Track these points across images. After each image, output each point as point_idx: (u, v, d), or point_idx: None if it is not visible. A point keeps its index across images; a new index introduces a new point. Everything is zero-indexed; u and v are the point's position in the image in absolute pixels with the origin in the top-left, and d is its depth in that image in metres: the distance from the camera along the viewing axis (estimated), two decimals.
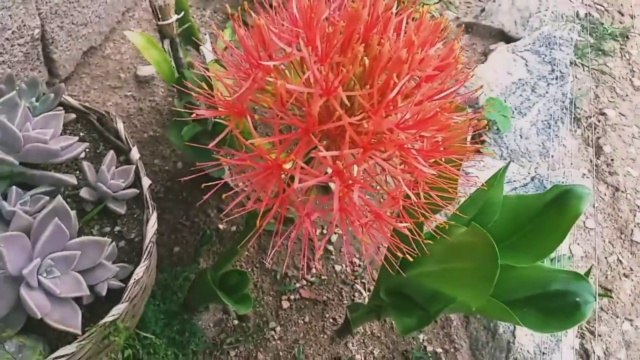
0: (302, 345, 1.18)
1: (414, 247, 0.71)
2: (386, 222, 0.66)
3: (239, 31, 0.68)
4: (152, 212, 0.86)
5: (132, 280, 0.80)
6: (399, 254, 0.67)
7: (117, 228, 0.89)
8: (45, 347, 0.74)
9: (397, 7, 0.74)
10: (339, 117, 0.58)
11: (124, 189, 0.88)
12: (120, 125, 0.95)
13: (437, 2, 1.35)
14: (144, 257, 0.82)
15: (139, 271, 0.81)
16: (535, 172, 1.50)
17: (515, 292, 0.83)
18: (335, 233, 1.34)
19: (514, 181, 1.43)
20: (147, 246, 0.83)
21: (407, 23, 0.69)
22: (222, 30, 1.55)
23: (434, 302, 0.88)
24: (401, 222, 0.68)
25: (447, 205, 0.74)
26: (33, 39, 1.23)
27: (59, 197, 0.75)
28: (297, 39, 0.66)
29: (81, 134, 0.98)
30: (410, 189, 0.66)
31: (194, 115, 0.66)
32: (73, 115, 0.95)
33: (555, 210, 0.80)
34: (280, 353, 1.16)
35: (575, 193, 0.78)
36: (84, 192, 0.85)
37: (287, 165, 0.61)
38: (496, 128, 1.55)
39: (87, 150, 0.97)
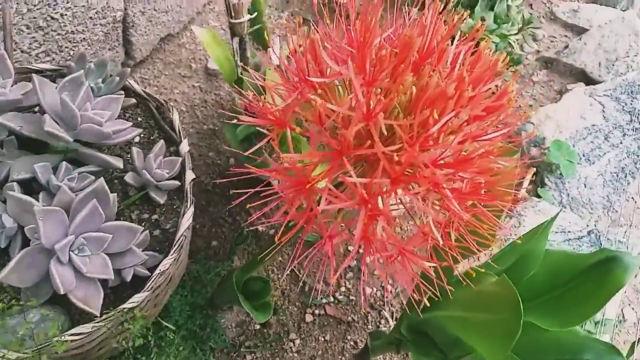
0: None
1: (437, 289, 0.68)
2: (410, 259, 0.64)
3: (291, 43, 0.68)
4: (189, 207, 0.88)
5: (157, 271, 0.81)
6: (416, 295, 0.65)
7: (154, 216, 0.91)
8: (66, 322, 0.76)
9: (459, 38, 0.72)
10: (373, 144, 0.57)
11: (167, 179, 0.90)
12: (175, 117, 0.98)
13: (517, 34, 1.30)
14: (173, 249, 0.84)
15: (166, 263, 0.82)
16: (595, 226, 1.41)
17: (542, 353, 0.78)
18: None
19: (569, 232, 1.35)
20: (179, 239, 0.84)
21: (464, 57, 0.67)
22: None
23: (454, 347, 0.84)
24: (428, 262, 0.65)
25: (481, 251, 0.71)
26: (115, 21, 1.28)
27: (102, 180, 0.77)
28: (348, 58, 0.65)
29: (139, 119, 1.02)
30: (443, 229, 0.64)
31: (237, 119, 0.67)
32: (133, 100, 0.98)
33: (597, 276, 0.75)
34: None
35: (621, 262, 0.72)
36: (128, 177, 0.88)
37: (321, 184, 0.61)
38: (559, 172, 1.47)
39: (141, 135, 1.00)
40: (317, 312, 1.22)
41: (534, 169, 1.54)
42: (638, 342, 1.42)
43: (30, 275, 0.72)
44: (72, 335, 0.70)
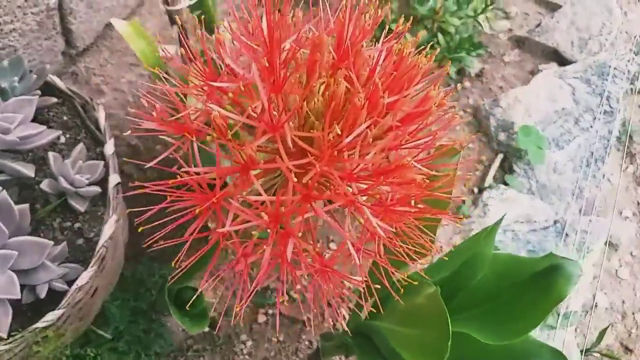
0: None
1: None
2: (330, 276, 0.59)
3: (203, 40, 0.62)
4: (111, 215, 0.82)
5: (74, 286, 0.76)
6: (345, 310, 0.60)
7: (77, 225, 0.85)
8: None
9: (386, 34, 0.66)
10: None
11: (88, 185, 0.84)
12: (101, 115, 0.91)
13: (475, 15, 1.23)
14: (92, 262, 0.78)
15: (85, 276, 0.77)
16: (564, 213, 1.36)
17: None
18: (329, 249, 1.27)
19: (535, 221, 1.31)
20: (99, 251, 0.79)
21: (384, 59, 0.60)
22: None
23: (395, 358, 0.80)
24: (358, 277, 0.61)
25: (414, 262, 0.66)
26: (49, 9, 1.20)
27: (4, 193, 0.71)
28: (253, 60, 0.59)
29: (65, 117, 0.95)
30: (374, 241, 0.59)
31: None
32: (55, 99, 0.91)
33: (540, 285, 0.70)
34: None
35: (564, 272, 0.68)
36: (44, 185, 0.81)
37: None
38: (528, 159, 1.41)
39: (67, 136, 0.93)
40: (270, 311, 1.18)
41: (502, 155, 1.48)
42: (608, 327, 1.39)
43: None
44: None
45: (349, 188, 0.54)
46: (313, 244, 0.60)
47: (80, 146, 0.85)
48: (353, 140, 0.55)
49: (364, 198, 0.57)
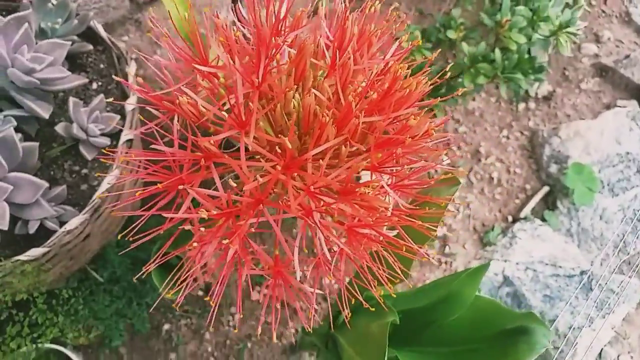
0: (252, 344, 1.14)
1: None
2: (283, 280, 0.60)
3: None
4: (115, 168, 0.85)
5: (62, 229, 0.79)
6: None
7: (84, 171, 0.89)
8: None
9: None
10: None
11: (100, 135, 0.87)
12: (130, 70, 0.94)
13: (549, 36, 1.12)
14: (85, 210, 0.81)
15: (74, 222, 0.80)
16: (600, 265, 1.26)
17: None
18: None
19: (561, 267, 1.22)
20: (93, 201, 0.82)
21: (377, 76, 0.57)
22: None
23: None
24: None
25: (377, 287, 0.64)
26: None
27: (10, 129, 0.75)
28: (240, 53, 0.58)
29: (101, 65, 0.98)
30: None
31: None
32: (90, 46, 0.94)
33: (504, 344, 0.66)
34: (227, 342, 1.14)
35: (530, 338, 0.63)
36: (59, 127, 0.85)
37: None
38: (573, 197, 1.31)
39: (99, 84, 0.97)
40: (265, 292, 1.18)
41: (548, 188, 1.39)
42: None
43: None
44: None
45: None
46: (276, 247, 0.59)
47: (100, 97, 0.88)
48: (320, 154, 0.53)
49: (327, 216, 0.56)
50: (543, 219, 1.34)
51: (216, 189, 0.51)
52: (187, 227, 0.55)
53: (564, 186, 1.33)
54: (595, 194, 1.32)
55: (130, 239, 0.54)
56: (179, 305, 1.15)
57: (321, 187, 0.53)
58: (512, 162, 1.43)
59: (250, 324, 1.15)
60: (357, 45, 0.59)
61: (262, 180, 0.51)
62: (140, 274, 0.59)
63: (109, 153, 0.88)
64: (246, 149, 0.50)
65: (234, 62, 0.56)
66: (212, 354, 1.13)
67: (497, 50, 1.07)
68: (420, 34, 1.25)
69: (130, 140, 0.88)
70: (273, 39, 0.55)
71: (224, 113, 0.53)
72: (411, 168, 0.60)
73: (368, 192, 0.57)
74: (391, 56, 0.59)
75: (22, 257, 0.77)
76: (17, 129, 0.84)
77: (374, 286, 0.66)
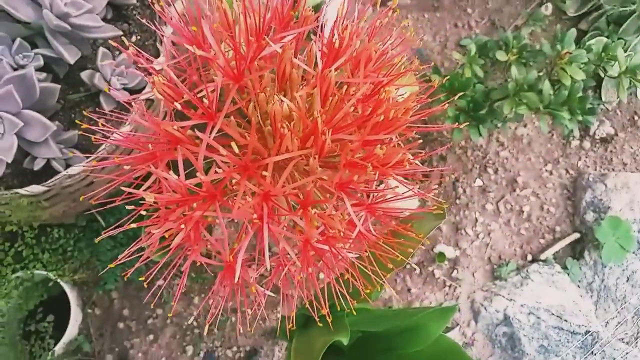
0: (236, 319, 1.16)
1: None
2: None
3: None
4: (127, 124, 0.87)
5: (63, 172, 0.83)
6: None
7: (101, 121, 0.91)
8: None
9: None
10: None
11: (121, 89, 0.89)
12: (167, 30, 0.95)
13: (616, 77, 1.03)
14: (91, 157, 0.84)
15: (76, 168, 0.84)
16: (608, 331, 1.18)
17: None
18: None
19: (566, 320, 1.15)
20: (100, 151, 0.85)
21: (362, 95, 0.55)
22: None
23: None
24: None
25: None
26: None
27: (31, 68, 0.78)
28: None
29: (143, 20, 1.00)
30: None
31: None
32: (133, 0, 0.96)
33: None
34: (213, 311, 1.16)
35: None
36: (84, 74, 0.88)
37: None
38: (600, 251, 1.23)
39: (138, 38, 0.99)
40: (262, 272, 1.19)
41: (578, 235, 1.30)
42: None
43: None
44: None
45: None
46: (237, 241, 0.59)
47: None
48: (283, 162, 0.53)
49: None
50: (564, 267, 1.26)
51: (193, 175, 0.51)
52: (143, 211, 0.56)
53: (596, 237, 1.24)
54: (628, 253, 1.23)
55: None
56: (175, 265, 1.18)
57: (276, 196, 0.52)
58: (549, 199, 1.35)
59: (239, 299, 1.17)
60: (352, 59, 0.57)
61: (217, 176, 0.51)
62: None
63: (127, 106, 0.90)
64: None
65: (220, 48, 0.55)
66: (196, 318, 1.16)
67: (546, 82, 1.01)
68: (476, 47, 1.19)
69: (151, 100, 0.90)
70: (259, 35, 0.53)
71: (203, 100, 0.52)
72: (380, 195, 0.57)
73: (326, 209, 0.56)
74: (384, 76, 0.56)
75: (21, 191, 0.81)
76: (47, 69, 0.88)
77: (336, 300, 0.65)
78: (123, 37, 0.97)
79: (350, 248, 0.60)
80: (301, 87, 0.54)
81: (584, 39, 1.10)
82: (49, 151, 0.83)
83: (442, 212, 0.70)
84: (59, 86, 0.84)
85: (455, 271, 1.27)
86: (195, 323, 1.17)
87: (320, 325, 0.67)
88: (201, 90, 0.54)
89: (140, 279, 0.56)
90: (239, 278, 0.60)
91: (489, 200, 1.34)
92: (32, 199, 0.82)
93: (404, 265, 0.69)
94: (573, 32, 1.05)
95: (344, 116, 0.53)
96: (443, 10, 1.50)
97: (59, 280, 0.99)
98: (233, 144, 0.47)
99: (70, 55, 0.84)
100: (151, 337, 1.15)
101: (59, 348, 1.05)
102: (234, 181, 0.51)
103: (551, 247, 1.29)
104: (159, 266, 0.63)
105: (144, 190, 0.57)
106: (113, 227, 0.58)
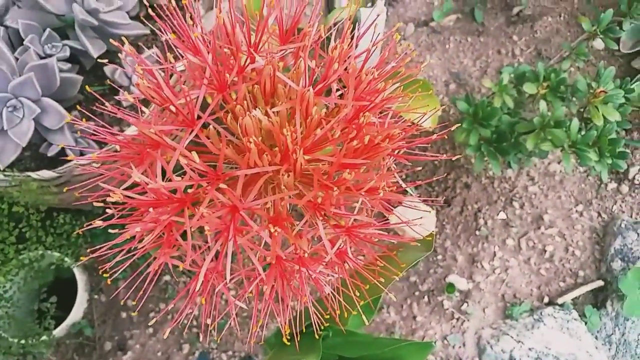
0: (235, 323, 1.16)
1: None
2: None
3: None
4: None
5: (73, 161, 0.86)
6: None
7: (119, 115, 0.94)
8: None
9: None
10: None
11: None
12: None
13: None
14: (100, 152, 0.87)
15: (83, 159, 0.86)
16: None
17: None
18: None
19: None
20: (110, 146, 0.87)
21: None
22: None
23: None
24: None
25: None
26: None
27: (54, 59, 0.81)
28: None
29: (174, 21, 1.02)
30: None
31: None
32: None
33: None
34: (213, 313, 1.16)
35: None
36: (107, 69, 0.91)
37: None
38: (620, 304, 1.16)
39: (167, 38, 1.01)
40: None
41: (602, 283, 1.23)
42: None
43: None
44: None
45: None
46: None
47: (151, 51, 0.92)
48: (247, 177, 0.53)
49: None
50: (582, 314, 1.20)
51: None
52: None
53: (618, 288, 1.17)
54: None
55: None
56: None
57: (244, 209, 0.51)
58: (575, 242, 1.29)
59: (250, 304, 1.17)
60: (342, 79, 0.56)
61: (182, 183, 0.51)
62: None
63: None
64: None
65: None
66: (196, 317, 1.17)
67: (574, 120, 0.96)
68: (514, 77, 1.15)
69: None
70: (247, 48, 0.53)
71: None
72: (355, 219, 0.56)
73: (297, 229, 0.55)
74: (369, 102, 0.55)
75: (32, 174, 0.84)
76: (74, 61, 0.91)
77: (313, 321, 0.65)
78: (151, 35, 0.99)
79: (327, 270, 0.59)
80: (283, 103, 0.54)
81: (627, 79, 1.04)
82: (64, 139, 0.86)
83: (429, 243, 0.68)
84: (80, 77, 0.87)
85: (465, 304, 1.22)
86: (194, 322, 1.18)
87: (289, 344, 0.66)
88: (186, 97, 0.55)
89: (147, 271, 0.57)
90: (206, 286, 0.60)
91: (510, 235, 1.29)
92: (42, 183, 0.85)
93: (384, 294, 0.66)
94: (611, 70, 1.00)
95: (320, 137, 0.52)
96: (487, 35, 1.46)
97: (69, 263, 1.03)
98: (194, 155, 0.47)
99: (95, 49, 0.87)
100: (151, 330, 1.17)
101: (61, 329, 1.08)
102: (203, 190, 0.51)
103: (571, 291, 1.23)
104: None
105: (123, 188, 0.57)
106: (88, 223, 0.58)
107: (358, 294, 0.61)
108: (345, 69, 0.56)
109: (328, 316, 0.60)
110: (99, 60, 0.92)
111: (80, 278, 1.10)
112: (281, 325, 0.65)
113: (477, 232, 1.28)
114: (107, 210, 0.54)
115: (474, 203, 1.31)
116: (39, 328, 0.98)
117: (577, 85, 1.01)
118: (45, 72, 0.82)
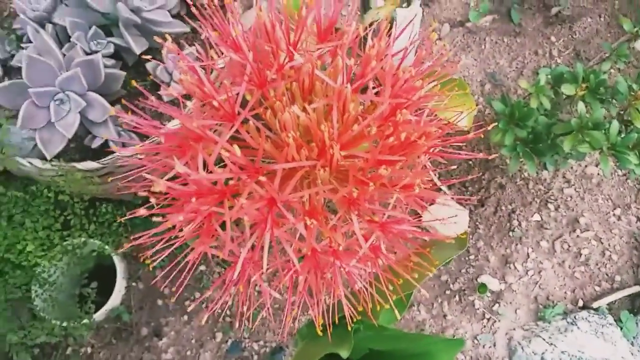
0: (267, 314, 1.18)
1: None
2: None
3: None
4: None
5: (116, 153, 0.89)
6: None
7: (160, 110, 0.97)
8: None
9: None
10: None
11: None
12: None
13: None
14: (141, 145, 0.90)
15: (125, 151, 0.89)
16: None
17: None
18: None
19: None
20: (151, 138, 0.90)
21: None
22: None
23: None
24: None
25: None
26: None
27: (99, 55, 0.85)
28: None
29: (215, 20, 1.05)
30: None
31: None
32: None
33: None
34: (247, 303, 1.19)
35: None
36: (149, 65, 0.94)
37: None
38: None
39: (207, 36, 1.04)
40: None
41: (639, 287, 1.21)
42: None
43: (13, 101, 0.85)
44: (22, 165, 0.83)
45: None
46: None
47: (192, 49, 0.95)
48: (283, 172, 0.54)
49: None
50: (618, 319, 1.18)
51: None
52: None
53: None
54: None
55: None
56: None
57: (281, 202, 0.53)
58: (612, 246, 1.26)
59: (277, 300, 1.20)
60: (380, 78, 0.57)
61: (223, 175, 0.52)
62: None
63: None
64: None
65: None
66: (229, 307, 1.20)
67: (614, 122, 0.94)
68: (551, 78, 1.14)
69: None
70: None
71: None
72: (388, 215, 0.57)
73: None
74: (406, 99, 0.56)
75: (77, 165, 0.88)
76: (117, 57, 0.95)
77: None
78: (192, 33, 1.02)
79: (360, 265, 0.60)
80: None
81: None
82: (107, 132, 0.89)
83: (463, 241, 0.68)
84: (124, 73, 0.91)
85: (497, 305, 1.22)
86: (228, 312, 1.21)
87: (322, 335, 0.67)
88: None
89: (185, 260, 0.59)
90: (243, 275, 0.61)
91: (545, 237, 1.27)
92: (86, 174, 0.89)
93: (417, 290, 0.67)
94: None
95: (356, 133, 0.53)
96: (525, 36, 1.44)
97: (109, 250, 1.07)
98: (235, 148, 0.49)
99: (137, 46, 0.90)
100: (185, 318, 1.20)
101: (101, 314, 1.12)
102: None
103: (607, 296, 1.21)
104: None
105: (166, 180, 0.59)
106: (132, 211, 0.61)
107: (391, 289, 0.63)
108: (382, 67, 0.57)
109: (361, 309, 0.62)
110: (141, 56, 0.95)
111: (120, 265, 1.14)
112: (314, 317, 0.67)
113: (511, 233, 1.27)
114: (149, 200, 0.57)
115: (508, 204, 1.29)
116: (80, 312, 1.02)
117: (617, 86, 0.99)
118: (91, 68, 0.85)
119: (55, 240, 0.86)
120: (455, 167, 1.29)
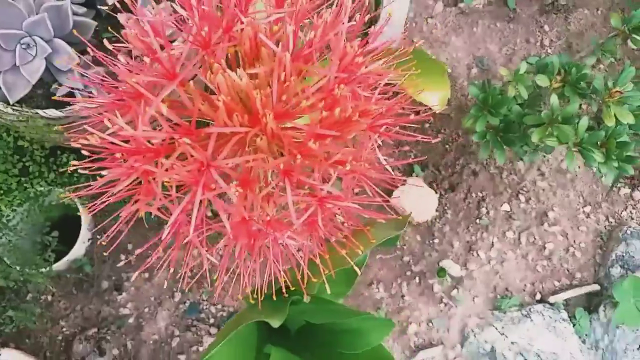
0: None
1: None
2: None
3: None
4: None
5: (77, 105, 0.88)
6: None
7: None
8: None
9: None
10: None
11: None
12: None
13: None
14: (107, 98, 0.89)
15: (77, 102, 0.89)
16: None
17: None
18: None
19: None
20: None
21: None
22: None
23: None
24: None
25: None
26: None
27: (68, 1, 0.83)
28: None
29: None
30: None
31: None
32: None
33: None
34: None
35: None
36: (120, 16, 0.92)
37: None
38: (613, 311, 1.14)
39: None
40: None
41: (598, 287, 1.22)
42: None
43: None
44: None
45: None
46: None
47: (166, 3, 0.93)
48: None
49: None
50: (573, 316, 1.19)
51: None
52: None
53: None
54: None
55: None
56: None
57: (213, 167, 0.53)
58: (577, 243, 1.27)
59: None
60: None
61: (154, 134, 0.52)
62: None
63: None
64: None
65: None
66: (191, 269, 1.21)
67: (584, 119, 0.94)
68: (535, 67, 1.12)
69: None
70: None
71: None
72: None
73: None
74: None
75: (40, 112, 0.87)
76: (91, 5, 0.93)
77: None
78: None
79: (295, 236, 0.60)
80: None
81: None
82: (72, 80, 0.88)
83: (401, 223, 0.69)
84: (94, 23, 0.89)
85: (456, 290, 1.23)
86: (189, 273, 1.22)
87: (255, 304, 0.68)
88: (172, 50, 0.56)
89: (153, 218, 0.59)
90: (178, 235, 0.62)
91: (512, 228, 1.28)
92: (49, 122, 0.88)
93: (351, 266, 0.67)
94: (631, 71, 0.96)
95: (292, 104, 0.53)
96: (518, 22, 1.42)
97: (79, 205, 1.07)
98: (162, 106, 0.49)
99: None
100: (147, 275, 1.21)
101: (62, 263, 1.13)
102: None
103: (564, 292, 1.22)
104: None
105: (107, 134, 0.59)
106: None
107: (323, 263, 0.63)
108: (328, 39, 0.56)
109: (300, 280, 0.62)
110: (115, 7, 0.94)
111: (85, 217, 1.14)
112: (243, 285, 0.67)
113: (478, 221, 1.27)
114: (83, 152, 0.57)
115: (479, 191, 1.29)
116: (39, 259, 1.03)
117: (594, 83, 0.98)
118: (59, 14, 0.84)
119: (13, 185, 0.86)
120: (426, 149, 1.28)
